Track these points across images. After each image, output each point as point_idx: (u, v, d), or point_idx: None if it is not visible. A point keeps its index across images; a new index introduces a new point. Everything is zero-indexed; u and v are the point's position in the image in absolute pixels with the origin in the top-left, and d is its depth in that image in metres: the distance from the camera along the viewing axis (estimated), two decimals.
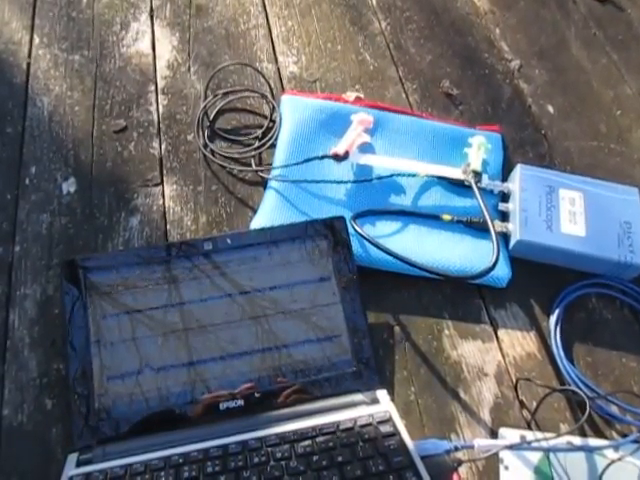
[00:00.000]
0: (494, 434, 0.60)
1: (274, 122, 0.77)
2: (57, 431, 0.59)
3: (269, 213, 0.68)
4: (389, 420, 0.56)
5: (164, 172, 0.74)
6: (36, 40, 0.84)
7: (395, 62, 0.86)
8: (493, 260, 0.62)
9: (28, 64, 0.82)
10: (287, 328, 0.61)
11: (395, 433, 0.55)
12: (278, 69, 0.84)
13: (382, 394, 0.59)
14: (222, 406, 0.58)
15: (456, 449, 0.54)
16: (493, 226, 0.65)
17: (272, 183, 0.71)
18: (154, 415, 0.57)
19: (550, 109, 0.83)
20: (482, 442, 0.55)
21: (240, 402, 0.58)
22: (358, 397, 0.59)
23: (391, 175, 0.72)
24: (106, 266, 0.62)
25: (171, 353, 0.59)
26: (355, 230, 0.66)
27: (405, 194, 0.72)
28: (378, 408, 0.57)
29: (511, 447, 0.55)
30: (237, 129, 0.78)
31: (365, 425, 0.55)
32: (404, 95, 0.83)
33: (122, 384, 0.58)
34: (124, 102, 0.79)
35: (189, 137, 0.77)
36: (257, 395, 0.58)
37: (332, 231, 0.65)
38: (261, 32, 0.87)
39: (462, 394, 0.62)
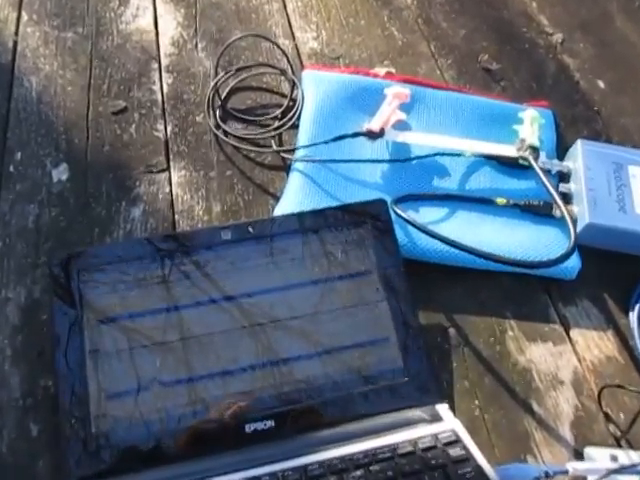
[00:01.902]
0: (578, 454, 0.49)
1: (295, 101, 0.66)
2: (44, 463, 0.46)
3: (295, 198, 0.57)
4: (458, 441, 0.44)
5: (170, 156, 0.63)
6: (24, 17, 0.73)
7: (426, 37, 0.75)
8: (572, 241, 0.51)
9: (15, 42, 0.71)
10: (324, 331, 0.49)
11: (468, 457, 0.43)
12: (296, 45, 0.73)
13: (443, 409, 0.47)
14: (248, 428, 0.46)
15: (547, 476, 0.42)
16: (565, 206, 0.54)
17: (297, 165, 0.60)
18: (165, 440, 0.45)
19: (601, 84, 0.73)
20: (578, 466, 0.43)
21: (270, 423, 0.46)
22: (415, 413, 0.47)
23: (433, 155, 0.61)
24: (104, 262, 0.50)
25: (184, 364, 0.47)
26: (398, 215, 0.55)
27: (450, 176, 0.61)
28: (441, 426, 0.45)
29: (619, 471, 0.43)
30: (252, 109, 0.67)
31: (429, 448, 0.43)
32: (438, 71, 0.72)
33: (125, 404, 0.46)
34: (124, 81, 0.68)
35: (198, 118, 0.66)
36: (291, 414, 0.47)
37: (371, 217, 0.53)
38: (275, 6, 0.77)
39: (535, 406, 0.50)
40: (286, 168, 0.62)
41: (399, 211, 0.54)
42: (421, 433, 0.45)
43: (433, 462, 0.42)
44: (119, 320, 0.48)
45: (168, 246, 0.51)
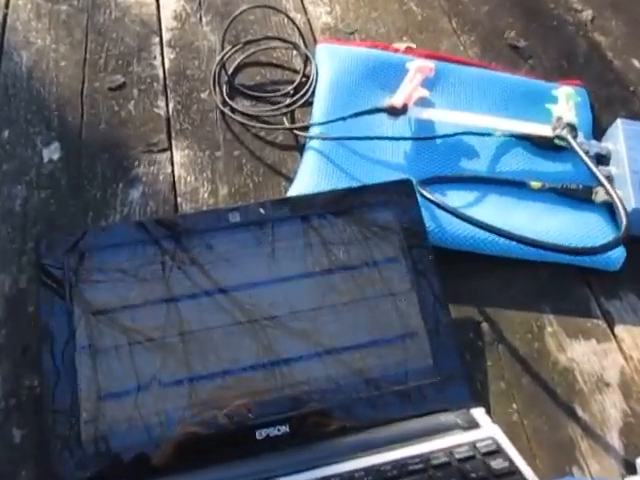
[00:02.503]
0: (629, 466, 0.43)
1: (308, 77, 0.60)
2: (28, 473, 0.40)
3: (310, 178, 0.51)
4: (499, 451, 0.38)
5: (172, 135, 0.57)
6: None
7: (446, 12, 0.69)
8: (624, 227, 0.45)
9: (5, 15, 0.65)
10: (344, 325, 0.43)
11: (513, 470, 0.37)
12: (308, 20, 0.67)
13: (480, 414, 0.42)
14: (259, 434, 0.40)
15: None
16: (612, 187, 0.49)
17: (312, 143, 0.54)
18: (165, 447, 0.40)
19: (636, 64, 0.67)
20: None
21: (284, 428, 0.40)
22: (448, 418, 0.41)
23: (460, 133, 0.55)
24: (97, 247, 0.44)
25: (186, 363, 0.42)
26: (425, 198, 0.49)
27: (478, 157, 0.56)
28: (479, 434, 0.40)
29: None
30: (262, 85, 0.61)
31: (466, 459, 0.38)
32: (462, 47, 0.66)
33: (119, 406, 0.40)
34: (122, 56, 0.63)
35: (203, 95, 0.60)
36: (308, 418, 0.41)
37: (396, 199, 0.48)
38: None
39: (580, 411, 0.45)
40: (299, 147, 0.56)
41: (426, 193, 0.49)
42: (456, 441, 0.39)
43: (473, 475, 0.36)
44: (113, 312, 0.42)
45: (169, 230, 0.45)
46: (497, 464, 0.37)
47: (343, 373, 0.42)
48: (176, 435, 0.39)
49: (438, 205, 0.48)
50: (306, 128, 0.55)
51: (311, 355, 0.43)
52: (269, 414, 0.40)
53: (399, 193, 0.48)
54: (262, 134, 0.57)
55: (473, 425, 0.41)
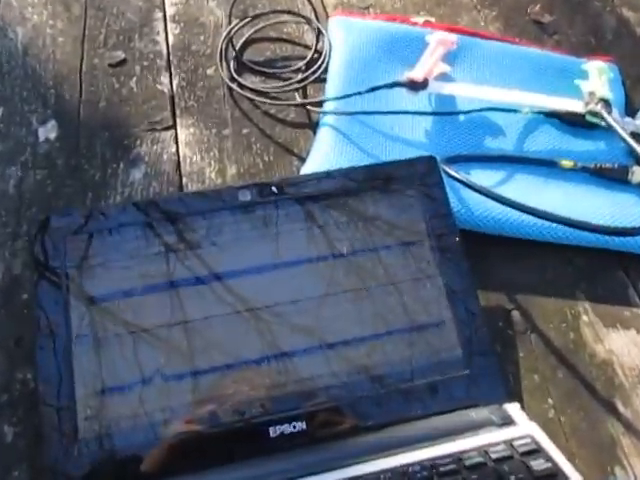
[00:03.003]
0: None
1: (320, 52, 0.57)
2: (21, 474, 0.37)
3: (325, 156, 0.47)
4: (538, 450, 0.34)
5: (177, 113, 0.53)
6: None
7: None
8: None
9: None
10: (365, 313, 0.40)
11: (555, 472, 0.33)
12: None
13: (514, 409, 0.38)
14: (273, 431, 0.36)
15: None
16: None
17: (326, 119, 0.50)
18: (170, 446, 0.36)
19: None
20: None
21: (300, 425, 0.37)
22: (480, 414, 0.37)
23: (484, 109, 0.51)
24: (96, 229, 0.41)
25: (193, 354, 0.38)
26: (450, 176, 0.45)
27: (504, 135, 0.52)
28: (515, 431, 0.36)
29: None
30: (272, 61, 0.57)
31: (503, 459, 0.34)
32: (482, 23, 0.62)
33: (119, 401, 0.36)
34: (123, 32, 0.59)
35: (209, 71, 0.56)
36: (327, 414, 0.37)
37: (419, 177, 0.44)
38: None
39: (621, 407, 0.41)
40: (313, 125, 0.52)
41: (451, 171, 0.45)
42: (490, 439, 0.35)
43: (512, 478, 0.33)
44: (113, 300, 0.39)
45: (174, 210, 0.41)
46: (538, 465, 0.33)
47: (364, 366, 0.38)
48: (181, 433, 0.36)
49: (466, 184, 0.44)
50: (320, 104, 0.52)
51: (329, 346, 0.39)
52: (284, 410, 0.37)
53: (422, 171, 0.44)
54: (272, 111, 0.53)
55: (508, 422, 0.37)
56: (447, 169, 0.45)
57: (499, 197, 0.43)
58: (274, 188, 0.43)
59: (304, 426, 0.36)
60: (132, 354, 0.37)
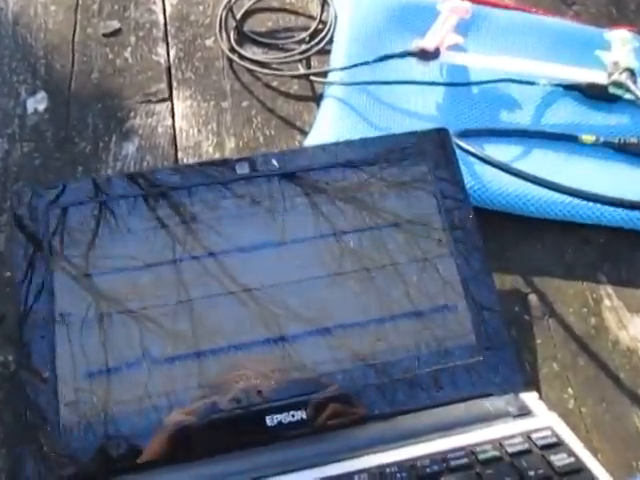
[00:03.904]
0: None
1: (325, 23, 0.53)
2: None
3: (330, 127, 0.44)
4: (560, 444, 0.31)
5: (173, 85, 0.50)
6: None
7: None
8: None
9: None
10: (371, 294, 0.37)
11: (580, 468, 0.30)
12: None
13: (532, 399, 0.35)
14: (270, 420, 0.33)
15: None
16: None
17: (331, 90, 0.47)
18: (159, 435, 0.33)
19: None
20: None
21: (299, 414, 0.34)
22: (495, 404, 0.34)
23: (499, 80, 0.48)
24: (82, 201, 0.38)
25: (184, 335, 0.35)
26: (464, 150, 0.42)
27: (521, 108, 0.48)
28: (533, 423, 0.33)
29: None
30: (274, 32, 0.54)
31: (521, 453, 0.31)
32: None
33: (105, 386, 0.33)
34: (118, 1, 0.55)
35: (208, 42, 0.53)
36: (328, 402, 0.34)
37: (430, 150, 0.41)
38: None
39: None
40: (317, 98, 0.49)
41: (465, 145, 0.42)
42: (506, 431, 0.32)
43: (531, 474, 0.30)
44: (100, 277, 0.36)
45: (167, 183, 0.38)
46: (559, 460, 0.30)
47: (370, 352, 0.35)
48: (172, 421, 0.33)
49: (480, 157, 0.41)
50: (324, 75, 0.48)
51: (332, 330, 0.36)
52: (282, 397, 0.34)
53: (433, 143, 0.41)
54: (274, 83, 0.50)
55: (525, 412, 0.34)
56: (460, 142, 0.42)
57: (517, 171, 0.40)
58: (274, 161, 0.39)
59: (304, 415, 0.33)
60: (120, 335, 0.34)
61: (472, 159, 0.43)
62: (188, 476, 0.31)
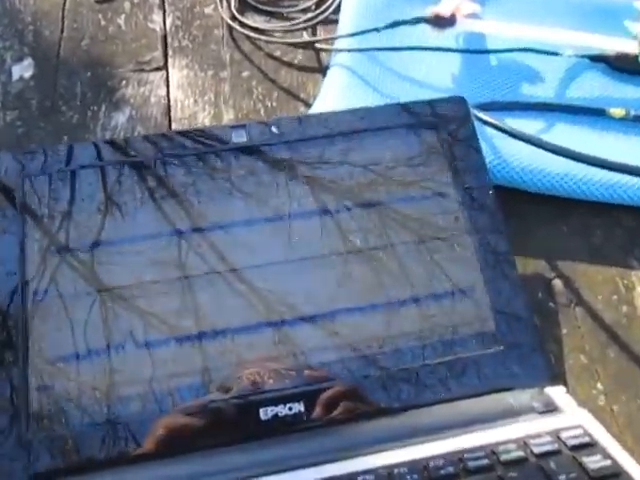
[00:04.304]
0: None
1: None
2: None
3: (337, 96, 0.40)
4: (593, 444, 0.27)
5: (169, 53, 0.46)
6: None
7: None
8: None
9: None
10: (379, 275, 0.33)
11: (618, 472, 0.26)
12: None
13: (560, 394, 0.30)
14: (264, 413, 0.30)
15: None
16: None
17: (338, 57, 0.43)
18: (141, 427, 0.29)
19: None
20: None
21: (297, 407, 0.30)
22: (518, 399, 0.30)
23: (520, 49, 0.44)
24: (61, 168, 0.34)
25: (171, 316, 0.31)
26: (483, 122, 0.38)
27: (543, 80, 0.44)
28: (562, 420, 0.29)
29: None
30: (277, 0, 0.51)
31: (549, 454, 0.27)
32: None
33: (81, 372, 0.30)
34: None
35: (207, 10, 0.49)
36: (330, 394, 0.31)
37: (447, 120, 0.37)
38: None
39: None
40: (323, 69, 0.45)
41: (484, 116, 0.38)
42: (532, 429, 0.28)
43: (562, 478, 0.26)
44: (79, 251, 0.32)
45: (155, 151, 0.34)
46: (593, 462, 0.26)
47: (378, 338, 0.31)
48: (155, 412, 0.29)
49: (503, 129, 0.37)
50: (331, 44, 0.45)
51: (335, 314, 0.32)
52: (278, 388, 0.30)
53: (450, 114, 0.37)
54: (277, 53, 0.46)
55: (552, 408, 0.30)
56: (479, 114, 0.38)
57: (544, 143, 0.36)
58: (275, 128, 0.36)
59: (301, 408, 0.29)
60: (98, 314, 0.31)
61: (491, 132, 0.39)
62: (170, 473, 0.28)
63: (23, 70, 0.45)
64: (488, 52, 0.43)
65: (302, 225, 0.34)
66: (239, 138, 0.35)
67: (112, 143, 0.35)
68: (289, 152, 0.35)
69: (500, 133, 0.38)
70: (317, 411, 0.29)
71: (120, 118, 0.42)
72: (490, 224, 0.34)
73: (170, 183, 0.34)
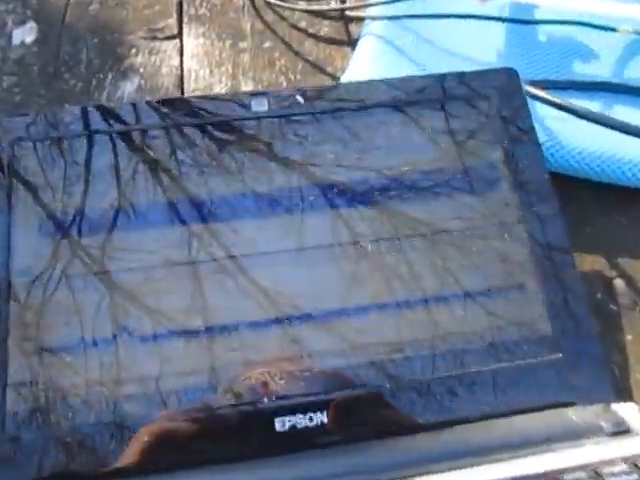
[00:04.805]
0: None
1: None
2: None
3: (369, 65, 0.35)
4: None
5: (184, 20, 0.42)
6: None
7: None
8: None
9: None
10: (417, 267, 0.28)
11: None
12: None
13: (630, 412, 0.26)
14: (281, 424, 0.25)
15: None
16: None
17: (371, 26, 0.38)
18: (137, 436, 0.25)
19: None
20: None
21: (319, 417, 0.25)
22: (583, 416, 0.25)
23: (572, 22, 0.39)
24: (54, 136, 0.30)
25: (176, 307, 0.27)
26: (537, 98, 0.33)
27: (597, 59, 0.39)
28: (637, 444, 0.24)
29: None
30: None
31: None
32: None
33: (69, 364, 0.25)
34: None
35: None
36: (357, 404, 0.26)
37: (497, 93, 0.32)
38: None
39: None
40: (352, 41, 0.40)
41: (538, 91, 0.33)
42: (602, 454, 0.23)
43: None
44: (70, 229, 0.28)
45: (163, 118, 0.30)
46: None
47: (415, 340, 0.26)
48: (153, 418, 0.24)
49: (561, 106, 0.32)
50: (362, 10, 0.40)
51: (365, 310, 0.27)
52: (297, 394, 0.25)
53: (499, 87, 0.32)
54: (303, 24, 0.42)
55: (623, 429, 0.25)
56: (531, 89, 0.33)
57: (611, 121, 0.31)
58: (299, 97, 0.31)
59: (324, 419, 0.25)
60: (89, 302, 0.26)
61: (543, 112, 0.34)
62: None
63: (25, 34, 0.40)
64: (536, 23, 0.39)
65: (325, 208, 0.29)
66: (259, 107, 0.30)
67: (120, 108, 0.30)
68: (315, 124, 0.30)
69: (553, 113, 0.33)
70: (343, 423, 0.25)
71: (127, 88, 0.38)
72: (546, 212, 0.29)
73: (178, 155, 0.29)
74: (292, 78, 0.39)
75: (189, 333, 0.25)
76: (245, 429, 0.25)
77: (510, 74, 0.32)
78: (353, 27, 0.41)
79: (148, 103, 0.30)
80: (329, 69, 0.39)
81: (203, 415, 0.24)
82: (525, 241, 0.29)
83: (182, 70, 0.39)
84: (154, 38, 0.40)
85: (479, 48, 0.38)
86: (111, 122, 0.29)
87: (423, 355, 0.26)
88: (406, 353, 0.26)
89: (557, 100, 0.32)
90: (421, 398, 0.25)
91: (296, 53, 0.40)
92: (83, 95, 0.37)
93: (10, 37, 0.40)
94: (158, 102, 0.30)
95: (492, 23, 0.38)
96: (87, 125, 0.29)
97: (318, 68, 0.39)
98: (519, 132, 0.31)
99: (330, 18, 0.42)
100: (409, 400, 0.25)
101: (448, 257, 0.28)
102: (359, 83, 0.32)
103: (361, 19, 0.41)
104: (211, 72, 0.39)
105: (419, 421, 0.25)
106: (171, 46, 0.40)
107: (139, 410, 0.24)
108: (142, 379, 0.25)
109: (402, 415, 0.25)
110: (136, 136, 0.29)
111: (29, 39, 0.40)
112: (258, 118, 0.30)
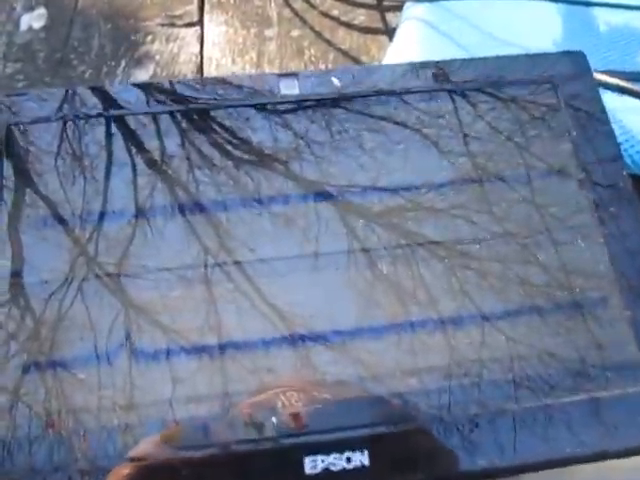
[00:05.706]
0: None
1: None
2: None
3: (412, 48, 0.31)
4: None
5: (206, 8, 0.38)
6: None
7: None
8: None
9: None
10: (474, 276, 0.23)
11: None
12: None
13: None
14: (312, 465, 0.19)
15: None
16: None
17: (412, 10, 0.33)
18: (131, 475, 0.20)
19: None
20: None
21: (360, 457, 0.20)
22: None
23: (634, 8, 0.34)
24: (52, 117, 0.25)
25: (185, 316, 0.22)
26: (613, 88, 0.28)
27: None
28: None
29: None
30: None
31: None
32: None
33: (59, 380, 0.21)
34: None
35: None
36: (409, 441, 0.21)
37: (564, 79, 0.27)
38: None
39: None
40: (389, 31, 0.36)
41: (610, 79, 0.28)
42: None
43: None
44: (67, 225, 0.23)
45: (178, 100, 0.26)
46: None
47: (479, 362, 0.21)
48: (149, 453, 0.20)
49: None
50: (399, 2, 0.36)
51: (413, 327, 0.22)
52: (331, 429, 0.20)
53: (566, 72, 0.27)
54: (335, 12, 0.37)
55: None
56: (603, 77, 0.28)
57: None
58: (335, 79, 0.26)
59: (365, 460, 0.20)
60: (84, 309, 0.21)
61: (613, 104, 0.29)
62: None
63: (33, 20, 0.36)
64: (596, 5, 0.34)
65: (362, 205, 0.24)
66: (289, 90, 0.26)
67: (130, 89, 0.26)
68: (352, 109, 0.26)
69: (628, 104, 0.28)
70: (389, 466, 0.20)
71: (142, 76, 0.33)
72: (625, 212, 0.24)
73: (194, 143, 0.25)
74: (324, 67, 0.34)
75: (204, 351, 0.21)
76: (268, 470, 0.20)
77: (578, 58, 0.28)
78: (390, 16, 0.37)
79: (172, 83, 0.26)
80: (364, 58, 0.35)
81: (219, 452, 0.19)
82: (603, 247, 0.23)
83: (202, 58, 0.35)
84: (172, 25, 0.36)
85: (532, 33, 0.33)
86: (129, 105, 0.25)
87: (492, 381, 0.20)
88: (468, 379, 0.21)
89: (636, 88, 0.27)
90: (492, 437, 0.20)
91: (327, 42, 0.36)
92: (92, 83, 0.33)
93: (18, 22, 0.36)
94: (181, 82, 0.26)
95: (545, 4, 0.34)
96: (98, 106, 0.25)
97: (351, 58, 0.35)
98: (591, 122, 0.26)
99: (365, 6, 0.37)
100: (472, 437, 0.20)
101: (508, 265, 0.23)
102: (405, 65, 0.27)
103: (399, 7, 0.36)
104: (233, 61, 0.35)
105: (484, 465, 0.20)
106: (190, 33, 0.36)
107: (131, 443, 0.19)
108: (135, 406, 0.20)
109: (462, 456, 0.20)
110: (146, 120, 0.25)
111: (37, 25, 0.36)
112: (286, 102, 0.26)
